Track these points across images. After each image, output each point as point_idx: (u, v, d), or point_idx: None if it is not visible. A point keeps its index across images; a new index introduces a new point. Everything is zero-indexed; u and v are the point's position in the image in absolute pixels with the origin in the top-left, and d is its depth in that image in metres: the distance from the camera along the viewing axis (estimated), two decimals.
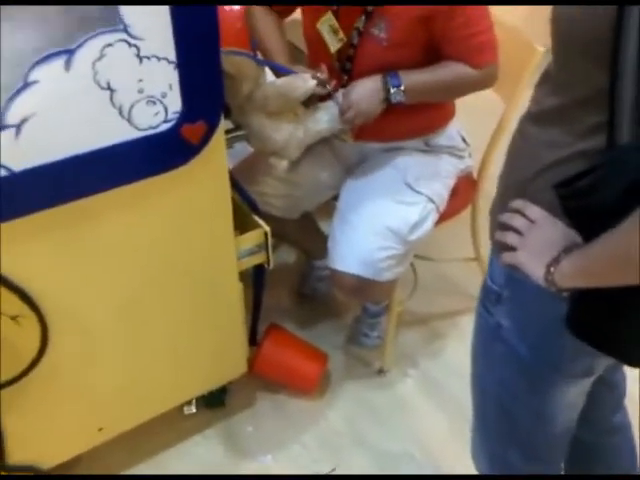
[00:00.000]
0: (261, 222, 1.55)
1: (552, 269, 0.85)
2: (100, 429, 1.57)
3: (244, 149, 1.82)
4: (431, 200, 1.68)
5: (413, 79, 1.54)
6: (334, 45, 1.61)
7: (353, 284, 1.63)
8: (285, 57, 1.65)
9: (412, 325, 2.14)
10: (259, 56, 1.65)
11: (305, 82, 1.48)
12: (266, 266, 1.63)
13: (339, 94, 1.56)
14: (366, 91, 1.53)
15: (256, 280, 1.73)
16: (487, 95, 1.70)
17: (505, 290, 0.99)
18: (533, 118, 0.94)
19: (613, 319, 0.84)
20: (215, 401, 1.85)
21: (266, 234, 1.55)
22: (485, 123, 1.85)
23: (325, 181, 1.82)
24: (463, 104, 1.74)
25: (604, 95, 0.79)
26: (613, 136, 0.79)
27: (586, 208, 0.81)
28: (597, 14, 0.77)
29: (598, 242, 0.79)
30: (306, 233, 2.06)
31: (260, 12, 1.71)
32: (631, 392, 1.35)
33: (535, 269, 0.88)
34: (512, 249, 0.92)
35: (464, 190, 1.86)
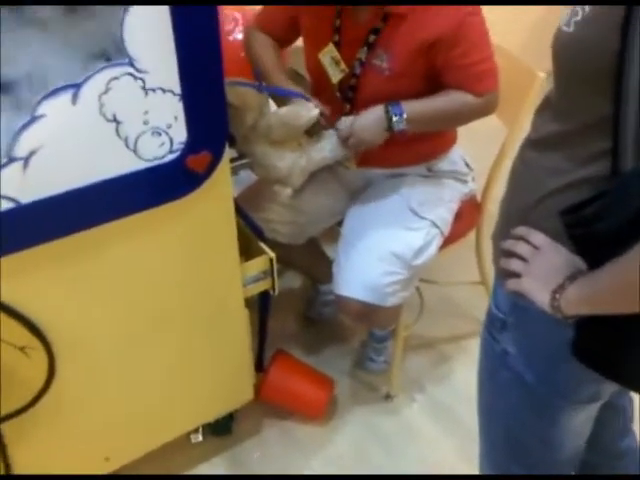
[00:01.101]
0: (266, 248, 1.56)
1: (557, 296, 0.86)
2: (107, 458, 1.57)
3: (249, 176, 1.83)
4: (435, 225, 1.68)
5: (415, 108, 1.55)
6: (336, 76, 1.63)
7: (359, 309, 1.63)
8: (281, 75, 1.66)
9: (419, 349, 2.14)
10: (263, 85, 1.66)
11: (308, 111, 1.49)
12: (271, 292, 1.64)
13: (342, 122, 1.57)
14: (369, 120, 1.54)
15: (261, 306, 1.74)
16: (490, 120, 1.71)
17: (510, 317, 0.99)
18: (534, 144, 0.95)
19: (618, 346, 0.84)
20: (222, 428, 1.85)
21: (271, 260, 1.55)
22: (488, 147, 1.86)
23: (329, 207, 1.83)
24: (466, 129, 1.75)
25: (606, 122, 0.80)
26: (617, 164, 0.79)
27: (592, 235, 0.82)
28: (600, 44, 0.78)
29: (604, 270, 0.79)
30: (311, 258, 2.06)
31: (260, 38, 1.73)
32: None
33: (540, 296, 0.88)
34: (517, 276, 0.92)
35: (468, 214, 1.87)
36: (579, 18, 0.81)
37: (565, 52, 0.85)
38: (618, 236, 0.76)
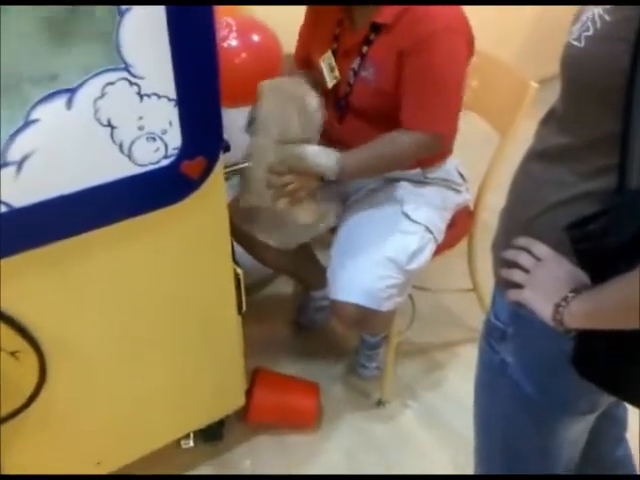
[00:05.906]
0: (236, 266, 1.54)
1: (560, 309, 0.85)
2: (98, 463, 1.56)
3: None
4: (428, 230, 1.68)
5: (353, 159, 1.57)
6: (330, 81, 1.66)
7: (354, 314, 1.62)
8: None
9: (411, 355, 2.14)
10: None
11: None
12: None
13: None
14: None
15: None
16: (483, 127, 1.72)
17: (510, 327, 0.99)
18: (538, 156, 0.94)
19: (618, 359, 0.84)
20: (213, 434, 1.83)
21: (238, 277, 1.52)
22: (481, 155, 1.87)
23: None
24: (459, 138, 1.75)
25: (612, 138, 0.79)
26: (624, 179, 0.79)
27: (598, 250, 0.81)
28: (611, 61, 0.77)
29: (610, 285, 0.79)
30: (304, 264, 2.05)
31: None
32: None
33: (543, 308, 0.88)
34: (518, 286, 0.92)
35: (461, 222, 1.87)
36: (590, 33, 0.80)
37: (574, 66, 0.84)
38: (624, 252, 0.76)
